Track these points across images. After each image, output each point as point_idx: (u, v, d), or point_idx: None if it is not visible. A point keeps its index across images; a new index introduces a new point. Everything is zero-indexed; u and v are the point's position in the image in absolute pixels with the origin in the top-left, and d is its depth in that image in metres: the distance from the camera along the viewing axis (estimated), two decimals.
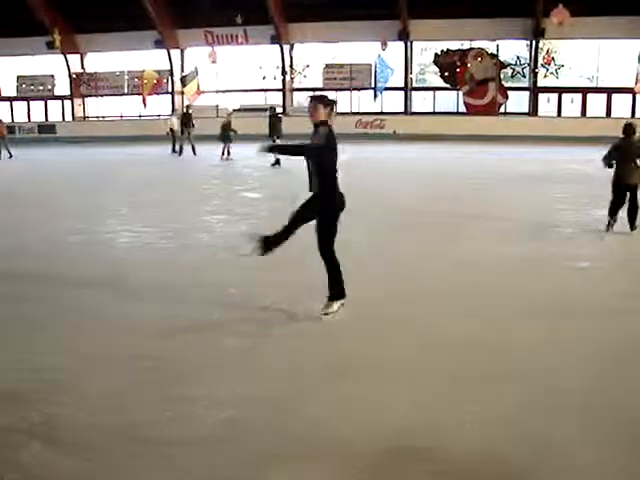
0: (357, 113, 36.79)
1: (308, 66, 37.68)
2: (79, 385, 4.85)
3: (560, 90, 35.06)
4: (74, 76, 39.54)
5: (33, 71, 40.57)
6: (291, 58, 37.82)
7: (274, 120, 22.52)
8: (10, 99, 41.15)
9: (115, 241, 10.41)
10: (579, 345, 5.59)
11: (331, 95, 32.03)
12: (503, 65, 35.17)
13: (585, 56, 35.28)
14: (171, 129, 27.44)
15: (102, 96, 40.15)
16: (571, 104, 34.77)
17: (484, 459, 3.80)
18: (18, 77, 40.59)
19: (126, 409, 4.46)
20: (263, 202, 14.04)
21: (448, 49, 35.56)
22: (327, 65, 37.48)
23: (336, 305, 6.22)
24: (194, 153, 25.76)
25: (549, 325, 6.05)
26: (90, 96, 40.43)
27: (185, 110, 27.55)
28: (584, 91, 34.82)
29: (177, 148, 26.86)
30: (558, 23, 30.50)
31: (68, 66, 39.33)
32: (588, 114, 34.38)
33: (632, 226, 10.27)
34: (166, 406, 4.48)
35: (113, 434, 4.12)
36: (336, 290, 6.23)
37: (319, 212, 6.18)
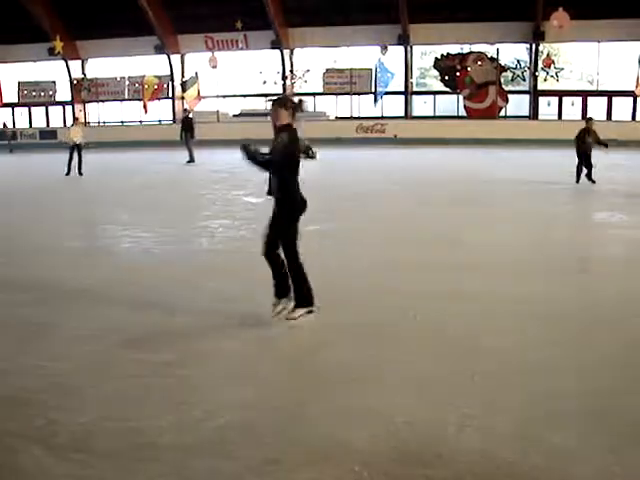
0: (358, 118, 36.82)
1: (308, 71, 37.73)
2: (80, 390, 4.85)
3: (560, 93, 35.10)
4: (75, 82, 39.64)
5: (34, 77, 40.71)
6: (291, 63, 37.88)
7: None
8: (12, 105, 41.26)
9: (114, 247, 10.42)
10: (583, 348, 5.60)
11: (331, 100, 32.01)
12: (503, 69, 35.20)
13: (585, 59, 35.32)
14: (74, 143, 21.15)
15: (103, 102, 40.24)
16: (572, 107, 34.77)
17: (485, 464, 3.79)
18: (19, 83, 40.72)
19: (127, 415, 4.46)
20: (264, 206, 13.99)
21: (448, 53, 35.61)
22: (327, 70, 37.53)
23: (301, 311, 6.13)
24: (190, 160, 24.31)
25: (551, 327, 6.07)
26: (91, 102, 40.52)
27: (185, 115, 25.93)
28: (584, 94, 34.83)
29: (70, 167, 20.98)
30: (558, 26, 30.53)
31: (69, 72, 39.43)
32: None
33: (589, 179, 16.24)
34: (167, 411, 4.48)
35: (114, 440, 4.11)
36: (301, 296, 6.15)
37: (280, 216, 6.08)
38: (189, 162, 24.44)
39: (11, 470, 3.79)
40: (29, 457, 3.91)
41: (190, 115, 25.87)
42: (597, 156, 16.63)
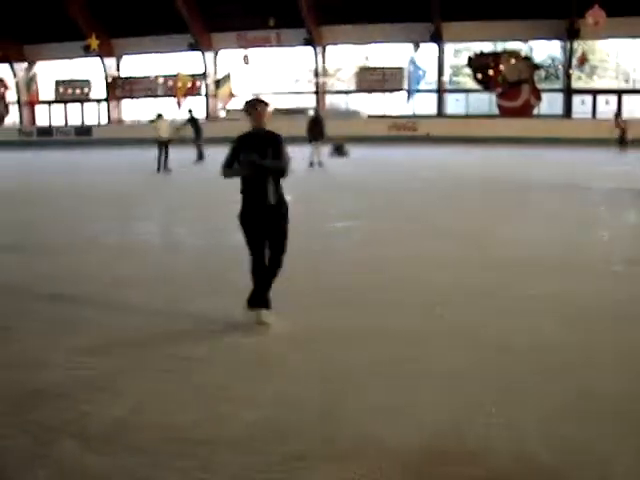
0: (390, 116, 36.76)
1: (340, 69, 37.80)
2: (112, 385, 4.93)
3: (595, 91, 34.69)
4: (110, 80, 40.16)
5: (71, 75, 41.36)
6: (324, 60, 37.94)
7: (315, 122, 22.13)
8: (49, 103, 41.99)
9: (148, 242, 10.55)
10: (615, 347, 5.55)
11: (364, 98, 32.00)
12: (537, 67, 34.88)
13: (621, 56, 34.86)
14: (161, 139, 21.14)
15: (137, 97, 40.68)
16: (606, 105, 34.33)
17: (515, 464, 3.78)
18: (56, 82, 41.38)
19: (158, 409, 4.53)
20: (294, 204, 13.98)
21: (481, 51, 35.40)
22: (360, 68, 37.55)
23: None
24: (199, 158, 24.02)
25: (582, 326, 6.04)
26: (125, 97, 41.00)
27: (190, 116, 24.56)
28: (619, 92, 34.38)
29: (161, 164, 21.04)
30: (594, 24, 30.13)
31: (105, 69, 39.96)
32: (624, 116, 33.92)
33: None
34: (197, 406, 4.54)
35: (145, 434, 4.18)
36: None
37: (282, 220, 6.11)
38: (197, 161, 24.04)
39: (44, 462, 3.86)
40: (62, 449, 3.99)
41: (194, 115, 24.89)
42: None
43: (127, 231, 11.49)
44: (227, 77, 38.10)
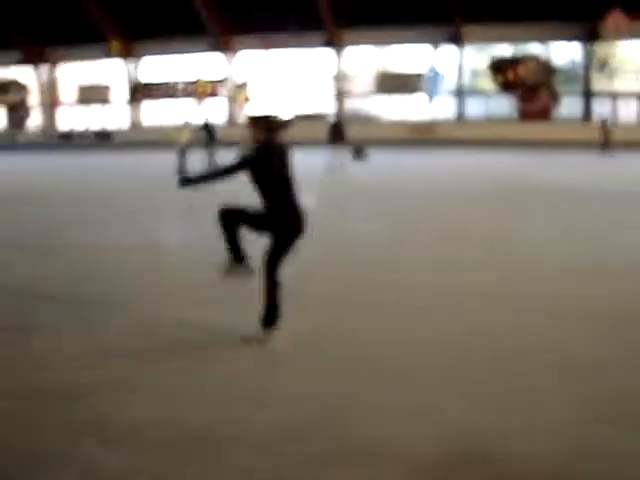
0: (409, 120, 36.69)
1: (359, 73, 37.85)
2: (131, 385, 5.01)
3: (615, 94, 34.41)
4: (131, 84, 40.52)
5: (92, 77, 41.82)
6: (343, 63, 37.98)
7: (336, 126, 22.36)
8: (70, 105, 42.40)
9: (160, 244, 10.70)
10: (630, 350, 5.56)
11: (383, 101, 31.73)
12: (556, 70, 34.73)
13: None
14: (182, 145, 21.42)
15: (158, 99, 40.94)
16: (627, 109, 34.03)
17: (529, 467, 3.81)
18: (79, 87, 41.77)
19: (175, 409, 4.59)
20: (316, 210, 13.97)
21: (502, 55, 35.32)
22: (379, 71, 37.58)
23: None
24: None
25: (597, 329, 6.04)
26: (145, 99, 41.25)
27: (205, 121, 23.96)
28: None
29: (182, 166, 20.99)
30: (614, 29, 29.89)
31: (127, 72, 40.34)
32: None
33: None
34: (209, 407, 4.61)
35: (164, 434, 4.24)
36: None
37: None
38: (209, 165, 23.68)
39: (63, 462, 3.94)
40: (80, 449, 4.06)
41: (209, 121, 24.29)
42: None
43: (140, 233, 11.49)
44: (244, 84, 38.47)
